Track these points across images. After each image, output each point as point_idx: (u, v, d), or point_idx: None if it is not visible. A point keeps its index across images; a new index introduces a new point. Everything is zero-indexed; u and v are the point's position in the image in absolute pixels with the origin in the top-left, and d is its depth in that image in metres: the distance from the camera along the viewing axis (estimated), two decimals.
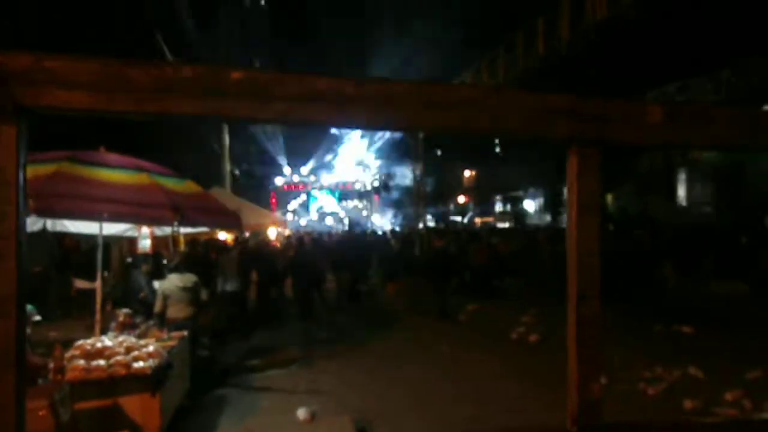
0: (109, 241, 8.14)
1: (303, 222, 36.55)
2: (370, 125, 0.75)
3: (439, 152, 21.95)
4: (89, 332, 6.12)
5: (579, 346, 0.79)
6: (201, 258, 10.01)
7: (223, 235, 14.89)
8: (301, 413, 6.10)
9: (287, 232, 18.52)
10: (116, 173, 5.52)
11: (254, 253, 11.82)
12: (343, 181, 42.06)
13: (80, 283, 6.43)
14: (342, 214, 40.13)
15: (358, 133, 38.18)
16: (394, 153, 35.97)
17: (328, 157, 42.49)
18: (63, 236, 10.19)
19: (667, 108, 0.86)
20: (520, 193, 32.75)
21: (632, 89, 14.53)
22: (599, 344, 0.81)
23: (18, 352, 0.64)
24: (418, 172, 20.89)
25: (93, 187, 5.15)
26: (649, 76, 15.03)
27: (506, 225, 28.07)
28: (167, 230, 7.41)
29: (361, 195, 40.54)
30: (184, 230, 8.30)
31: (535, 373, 7.51)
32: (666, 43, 12.67)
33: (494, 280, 14.26)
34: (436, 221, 31.80)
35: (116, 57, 0.67)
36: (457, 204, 36.99)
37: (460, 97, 0.78)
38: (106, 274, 5.96)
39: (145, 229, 7.83)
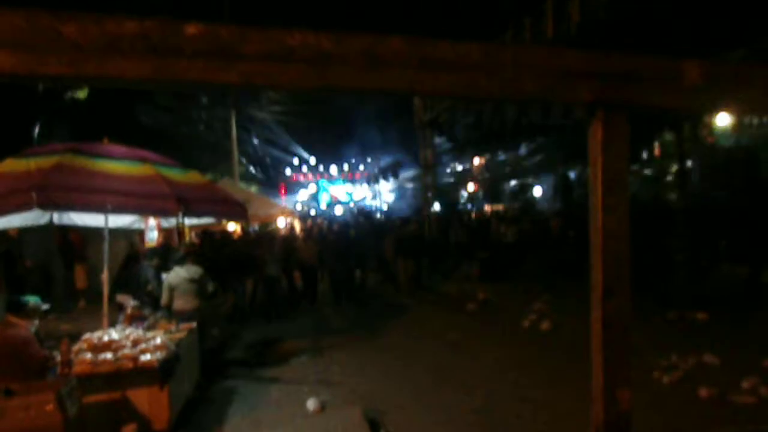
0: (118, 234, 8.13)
1: (312, 212, 36.48)
2: (354, 89, 0.63)
3: (437, 138, 21.64)
4: (99, 325, 6.10)
5: (605, 349, 0.67)
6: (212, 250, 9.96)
7: (232, 227, 14.84)
8: (311, 404, 6.05)
9: (296, 222, 18.45)
10: (119, 164, 5.45)
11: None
12: (352, 169, 41.97)
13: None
14: (351, 203, 40.02)
15: (369, 118, 37.97)
16: (404, 141, 35.74)
17: (337, 146, 42.34)
18: (67, 230, 10.17)
19: (706, 67, 0.72)
20: (530, 179, 32.45)
21: None
22: (628, 347, 0.69)
23: None
24: (428, 158, 20.68)
25: (96, 179, 5.09)
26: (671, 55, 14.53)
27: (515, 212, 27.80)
28: (174, 222, 7.36)
29: (369, 182, 40.36)
30: (191, 222, 8.25)
31: (547, 362, 7.41)
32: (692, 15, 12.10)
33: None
34: (446, 209, 31.57)
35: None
36: (467, 192, 36.75)
37: (465, 56, 0.65)
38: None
39: (152, 221, 7.79)
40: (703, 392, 6.02)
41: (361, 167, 42.47)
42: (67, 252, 11.14)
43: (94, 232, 6.30)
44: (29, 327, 4.84)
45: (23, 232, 9.89)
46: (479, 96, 0.66)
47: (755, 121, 16.76)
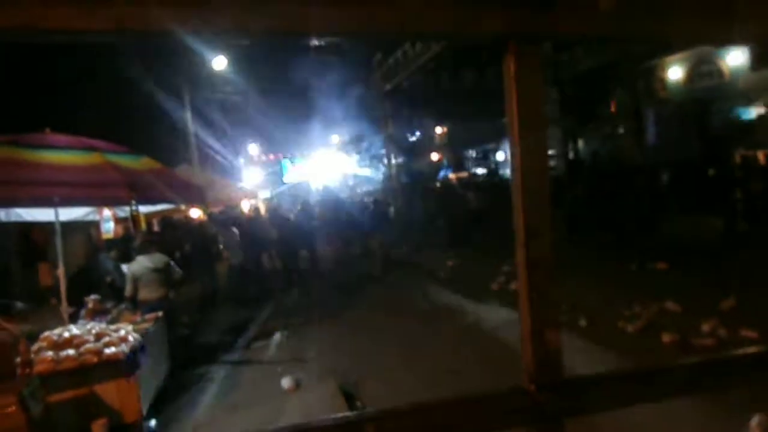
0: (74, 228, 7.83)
1: (275, 192, 35.97)
2: (237, 31, 0.57)
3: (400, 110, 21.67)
4: (60, 323, 5.92)
5: (531, 290, 0.66)
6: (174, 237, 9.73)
7: (196, 213, 14.54)
8: (286, 382, 6.05)
9: (260, 204, 18.20)
10: (65, 155, 5.21)
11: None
12: (314, 147, 41.40)
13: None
14: (313, 181, 39.48)
15: (330, 92, 37.33)
16: (365, 114, 35.43)
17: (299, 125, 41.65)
18: (29, 228, 9.76)
19: None
20: (492, 145, 32.67)
21: None
22: (553, 288, 0.67)
23: None
24: (390, 129, 20.58)
25: (40, 171, 4.86)
26: None
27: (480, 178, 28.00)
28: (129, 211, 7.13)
29: (333, 157, 39.92)
30: (149, 209, 8.02)
31: (517, 323, 7.54)
32: None
33: None
34: (411, 179, 31.62)
35: None
36: (430, 162, 36.75)
37: None
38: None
39: (107, 212, 7.54)
40: (666, 338, 6.23)
41: (323, 144, 41.91)
42: (28, 251, 10.66)
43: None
44: (17, 331, 4.67)
45: None
46: (378, 32, 0.62)
47: (705, 69, 17.10)
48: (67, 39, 0.57)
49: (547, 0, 0.64)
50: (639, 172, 15.18)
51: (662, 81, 18.68)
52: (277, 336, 8.13)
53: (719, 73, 16.64)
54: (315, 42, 0.63)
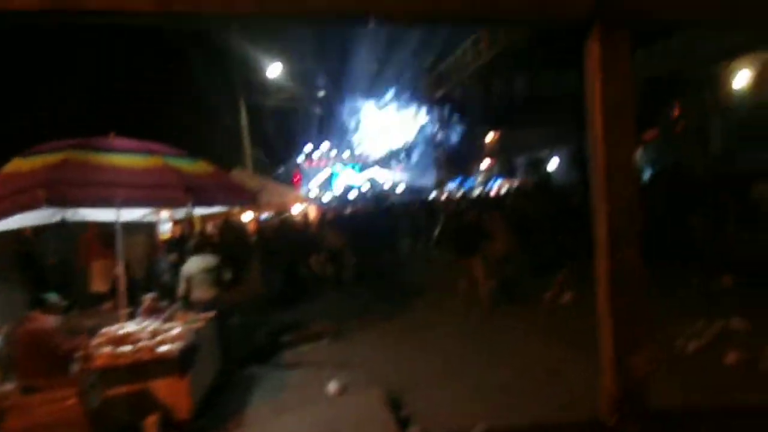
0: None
1: (326, 198, 36.37)
2: (293, 15, 0.53)
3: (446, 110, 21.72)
4: (119, 319, 6.13)
5: (614, 307, 0.58)
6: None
7: (248, 216, 14.84)
8: (333, 386, 6.06)
9: (311, 209, 18.41)
10: (127, 157, 5.41)
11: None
12: (364, 152, 41.81)
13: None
14: (364, 187, 39.71)
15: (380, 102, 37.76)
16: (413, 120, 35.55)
17: (350, 129, 42.23)
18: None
19: None
20: (545, 152, 31.98)
21: None
22: (641, 304, 0.59)
23: None
24: (439, 138, 20.56)
25: (104, 173, 5.06)
26: None
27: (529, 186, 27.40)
28: (185, 213, 7.35)
29: (381, 165, 40.17)
30: (206, 211, 8.21)
31: (570, 334, 7.28)
32: None
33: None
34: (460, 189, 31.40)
35: None
36: (481, 168, 36.35)
37: None
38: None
39: (165, 214, 7.79)
40: (731, 357, 5.86)
41: (373, 148, 42.28)
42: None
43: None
44: (52, 321, 4.87)
45: (41, 231, 9.91)
46: (444, 17, 0.55)
47: None
48: (110, 20, 0.55)
49: None
50: (703, 183, 14.50)
51: (727, 87, 17.85)
52: (324, 339, 8.17)
53: None
54: (376, 26, 0.58)
